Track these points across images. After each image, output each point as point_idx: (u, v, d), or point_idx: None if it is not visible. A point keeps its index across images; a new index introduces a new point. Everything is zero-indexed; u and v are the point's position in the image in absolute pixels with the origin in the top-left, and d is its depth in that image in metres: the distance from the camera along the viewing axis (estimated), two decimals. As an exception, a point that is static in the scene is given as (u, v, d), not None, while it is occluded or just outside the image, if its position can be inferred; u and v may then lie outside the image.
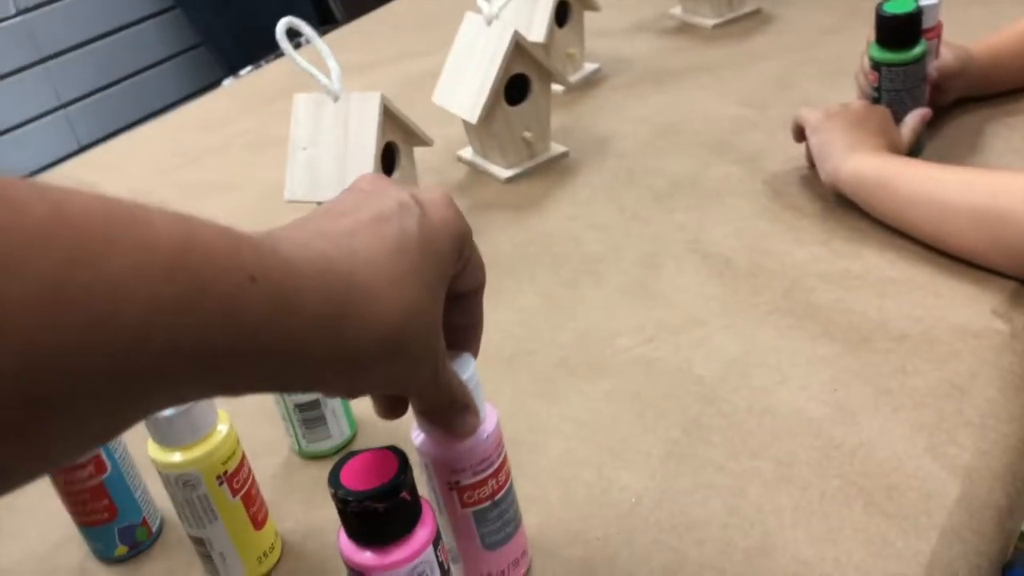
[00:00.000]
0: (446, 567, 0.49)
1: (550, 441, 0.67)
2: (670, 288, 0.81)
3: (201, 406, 0.55)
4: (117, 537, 0.63)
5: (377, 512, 0.45)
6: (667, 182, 0.97)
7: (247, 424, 0.73)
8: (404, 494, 0.46)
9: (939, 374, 0.67)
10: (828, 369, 0.69)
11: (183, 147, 1.29)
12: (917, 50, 0.89)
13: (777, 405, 0.67)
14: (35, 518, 0.69)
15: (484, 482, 0.53)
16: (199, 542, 0.59)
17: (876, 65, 0.91)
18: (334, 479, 0.46)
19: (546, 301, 0.82)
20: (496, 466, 0.53)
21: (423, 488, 0.54)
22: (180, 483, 0.56)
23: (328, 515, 0.55)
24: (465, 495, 0.53)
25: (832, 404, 0.66)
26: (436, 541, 0.48)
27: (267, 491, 0.66)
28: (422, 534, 0.47)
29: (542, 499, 0.63)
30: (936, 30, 0.94)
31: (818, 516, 0.58)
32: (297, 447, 0.70)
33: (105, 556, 0.64)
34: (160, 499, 0.66)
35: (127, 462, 0.63)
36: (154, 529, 0.65)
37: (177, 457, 0.55)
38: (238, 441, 0.58)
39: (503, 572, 0.56)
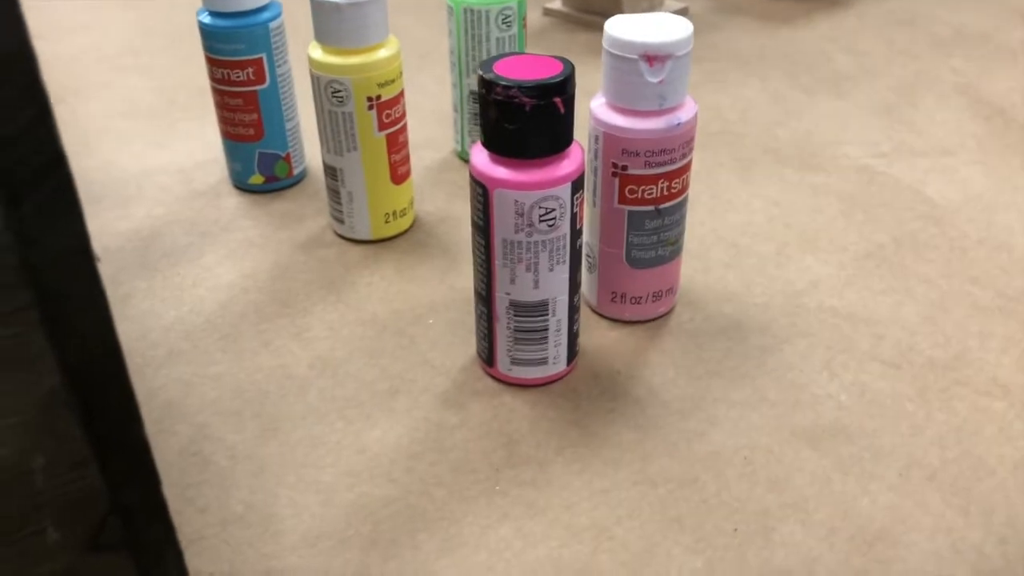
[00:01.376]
0: (579, 226, 0.42)
1: (732, 210, 0.58)
2: (923, 118, 0.69)
3: (373, 10, 0.50)
4: (256, 162, 0.59)
5: (521, 108, 0.38)
6: (953, 31, 0.83)
7: (417, 121, 0.68)
8: (557, 100, 0.38)
9: None
10: (1097, 226, 0.56)
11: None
12: None
13: (1018, 246, 0.54)
14: (191, 137, 0.67)
15: (654, 179, 0.44)
16: (332, 173, 0.54)
17: None
18: (487, 65, 0.39)
19: (772, 97, 0.72)
20: (674, 167, 0.44)
21: (588, 170, 0.46)
22: (329, 92, 0.51)
23: (468, 213, 0.48)
24: (628, 188, 0.45)
25: (1091, 260, 0.53)
26: (577, 185, 0.40)
27: (418, 177, 0.61)
28: (564, 165, 0.40)
29: (703, 255, 0.54)
30: None
31: (1037, 351, 0.46)
32: (460, 146, 0.64)
33: (241, 180, 0.61)
34: (311, 145, 0.63)
35: (288, 87, 0.59)
36: (296, 171, 0.61)
37: (334, 59, 0.50)
38: (400, 74, 0.52)
39: (638, 299, 0.48)
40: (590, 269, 0.49)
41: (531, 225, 0.40)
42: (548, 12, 0.88)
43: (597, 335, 0.48)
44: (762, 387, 0.45)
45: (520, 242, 0.41)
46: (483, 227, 0.41)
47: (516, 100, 0.38)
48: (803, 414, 0.43)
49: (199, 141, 0.67)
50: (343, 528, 0.38)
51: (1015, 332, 0.48)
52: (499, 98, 0.38)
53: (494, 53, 0.59)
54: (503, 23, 0.58)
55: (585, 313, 0.50)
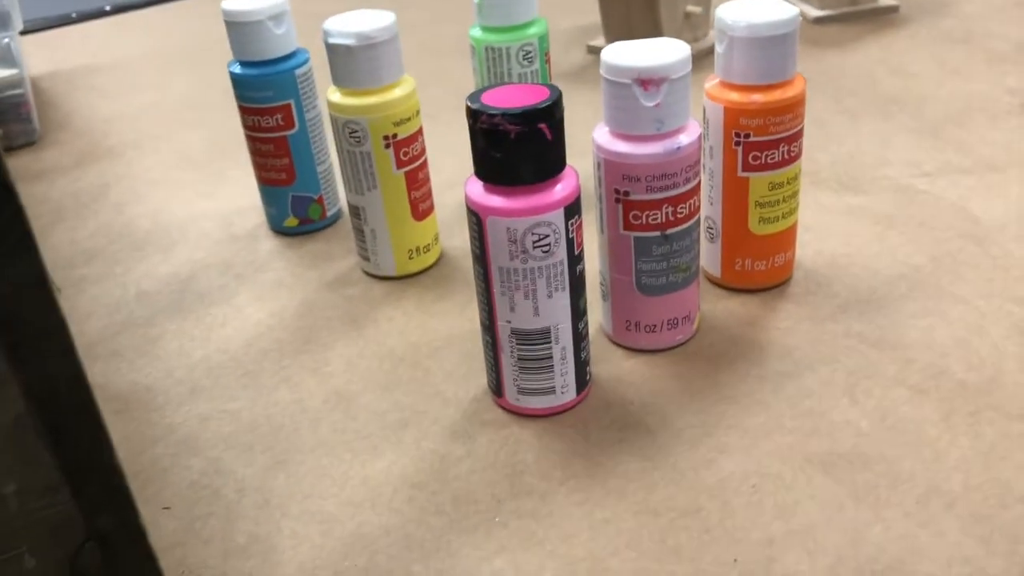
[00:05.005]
0: (577, 251, 0.41)
1: (764, 238, 0.57)
2: (973, 137, 0.66)
3: (386, 50, 0.51)
4: (290, 205, 0.61)
5: (507, 136, 0.38)
6: (1012, 47, 0.80)
7: (454, 161, 0.69)
8: (543, 126, 0.38)
9: None
10: None
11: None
12: None
13: (1067, 262, 0.52)
14: (236, 186, 0.70)
15: (658, 204, 0.44)
16: (355, 212, 0.55)
17: None
18: (475, 96, 0.40)
19: (814, 122, 0.70)
20: (680, 191, 0.44)
21: (591, 196, 0.46)
22: (347, 132, 0.52)
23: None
24: (631, 213, 0.44)
25: None
26: (572, 210, 0.40)
27: (447, 213, 0.62)
28: (555, 191, 0.40)
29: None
30: None
31: (1079, 371, 0.44)
32: (492, 183, 0.64)
33: (276, 224, 0.62)
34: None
35: (317, 131, 0.60)
36: (329, 213, 0.63)
37: (349, 100, 0.52)
38: (417, 113, 0.53)
39: (653, 327, 0.47)
40: (604, 297, 0.49)
41: (525, 252, 0.40)
42: (592, 49, 0.89)
43: (612, 364, 0.47)
44: (778, 414, 0.43)
45: (516, 269, 0.41)
46: (480, 255, 0.41)
47: (501, 127, 0.38)
48: (819, 441, 0.41)
49: (242, 188, 0.69)
50: (340, 559, 0.38)
51: (1057, 352, 0.45)
52: (484, 126, 0.38)
53: (517, 89, 0.60)
54: (524, 59, 0.59)
55: (602, 343, 0.49)
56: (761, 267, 0.51)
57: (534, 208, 0.39)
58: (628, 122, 0.43)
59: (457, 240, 0.60)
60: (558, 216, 0.40)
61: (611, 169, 0.44)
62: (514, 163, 0.39)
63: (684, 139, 0.43)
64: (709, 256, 0.52)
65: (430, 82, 0.85)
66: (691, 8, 0.83)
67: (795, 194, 0.50)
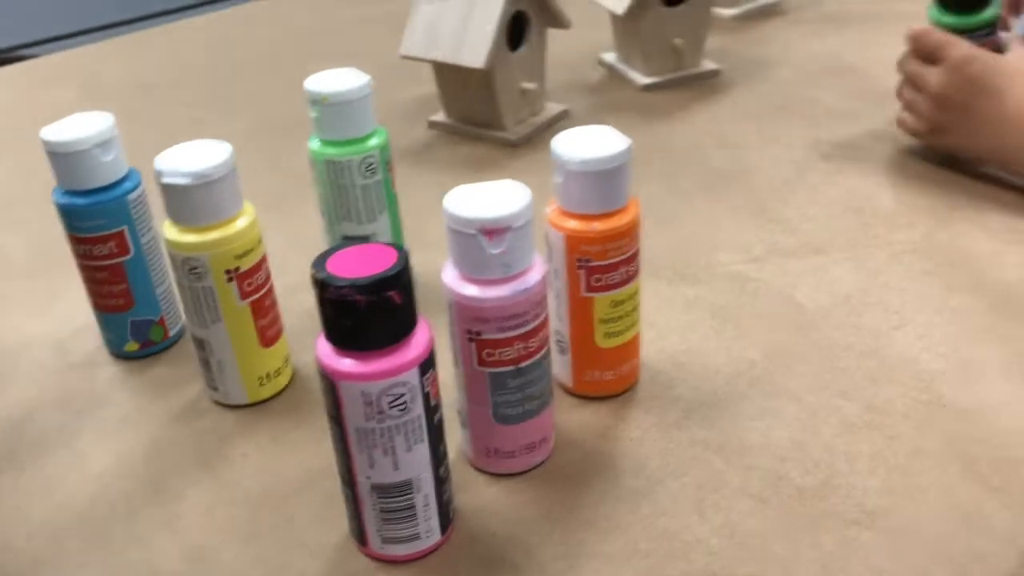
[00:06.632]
0: (434, 403, 0.42)
1: (610, 336, 0.59)
2: (796, 214, 0.70)
3: (224, 186, 0.50)
4: (130, 330, 0.59)
5: (355, 306, 0.38)
6: (823, 113, 0.86)
7: (300, 258, 0.68)
8: (392, 293, 0.38)
9: (1098, 354, 0.54)
10: (957, 323, 0.57)
11: (326, 16, 1.26)
12: (987, 13, 0.73)
13: (884, 349, 0.56)
14: (65, 299, 0.66)
15: (509, 342, 0.45)
16: (200, 344, 0.53)
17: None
18: (319, 262, 0.39)
19: (648, 206, 0.73)
20: (528, 328, 0.45)
21: (445, 332, 0.46)
22: (187, 268, 0.51)
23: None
24: (485, 352, 0.45)
25: (953, 360, 0.55)
26: (426, 367, 0.41)
27: (298, 322, 0.61)
28: (408, 351, 0.40)
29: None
30: None
31: (901, 471, 0.47)
32: (341, 288, 0.64)
33: (116, 349, 0.60)
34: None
35: (154, 253, 0.58)
36: (172, 332, 0.61)
37: (187, 238, 0.50)
38: (259, 242, 0.52)
39: (512, 453, 0.48)
40: (463, 425, 0.49)
41: (382, 412, 0.40)
42: (433, 125, 0.89)
43: (475, 492, 0.48)
44: (635, 537, 0.45)
45: (373, 429, 0.41)
46: (335, 416, 0.41)
47: (350, 298, 0.38)
48: (675, 564, 0.43)
49: (76, 302, 0.66)
50: None
51: (882, 448, 0.49)
52: (333, 297, 0.38)
53: (361, 201, 0.60)
54: (367, 171, 0.59)
55: (463, 468, 0.50)
56: (609, 376, 0.53)
57: (388, 371, 0.39)
58: (476, 267, 0.43)
59: (308, 355, 0.59)
60: (413, 375, 0.40)
61: (462, 311, 0.45)
62: (365, 330, 0.39)
63: (531, 279, 0.44)
64: (560, 367, 0.54)
65: (267, 168, 0.83)
66: (527, 85, 0.85)
67: (636, 307, 0.52)
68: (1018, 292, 0.60)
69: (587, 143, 0.48)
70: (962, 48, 0.69)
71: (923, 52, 0.71)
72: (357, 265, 0.39)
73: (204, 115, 0.97)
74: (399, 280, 0.39)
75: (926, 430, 0.50)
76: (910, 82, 0.73)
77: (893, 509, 0.45)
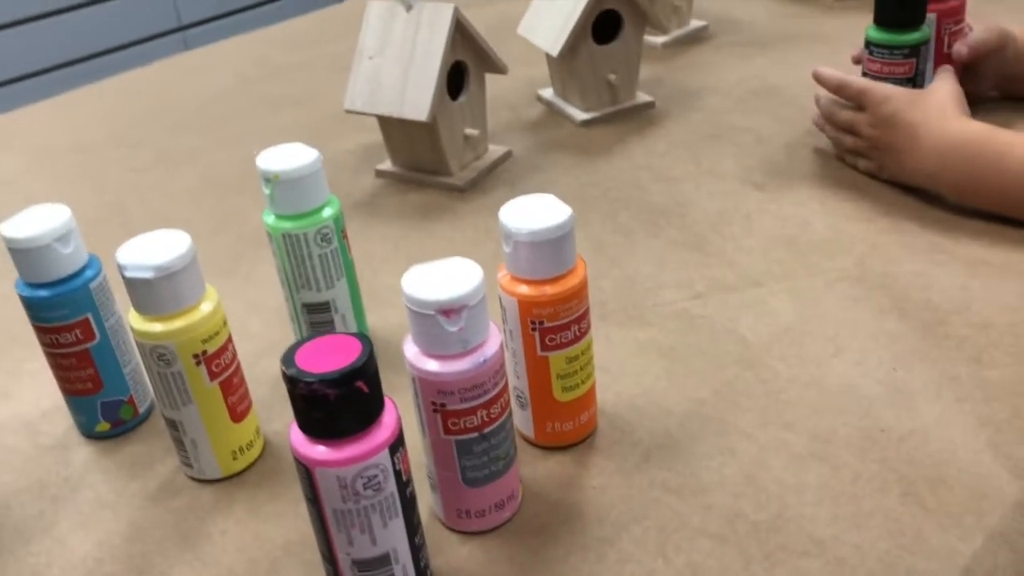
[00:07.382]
0: (405, 478, 0.44)
1: (567, 382, 0.62)
2: (733, 247, 0.74)
3: (186, 275, 0.52)
4: (100, 411, 0.60)
5: (326, 399, 0.40)
6: (754, 141, 0.89)
7: (261, 322, 0.70)
8: (360, 384, 0.41)
9: (1020, 370, 0.58)
10: (891, 347, 0.61)
11: (268, 61, 1.27)
12: (915, 35, 0.80)
13: (825, 378, 0.59)
14: (36, 382, 0.67)
15: (473, 411, 0.47)
16: (172, 425, 0.55)
17: (869, 47, 0.83)
18: (288, 357, 0.42)
19: (594, 246, 0.76)
20: (490, 396, 0.47)
21: (410, 405, 0.49)
22: (155, 356, 0.52)
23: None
24: (449, 421, 0.48)
25: (888, 384, 0.58)
26: (395, 446, 0.43)
27: (265, 391, 0.63)
28: (378, 434, 0.42)
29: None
30: (953, 7, 0.85)
31: (846, 498, 0.51)
32: (303, 352, 0.66)
33: (87, 430, 0.61)
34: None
35: (119, 335, 0.60)
36: (141, 410, 0.62)
37: (154, 327, 0.52)
38: (224, 323, 0.54)
39: (482, 512, 0.51)
40: (433, 489, 0.52)
41: (357, 494, 0.42)
42: (380, 173, 0.91)
43: (450, 554, 0.50)
44: (604, 586, 0.48)
45: (350, 509, 0.43)
46: (312, 499, 0.43)
47: (320, 392, 0.40)
48: (643, 610, 0.46)
49: (43, 382, 0.67)
50: None
51: (828, 479, 0.52)
52: (304, 392, 0.40)
53: (319, 270, 0.62)
54: (322, 240, 0.61)
55: (436, 528, 0.52)
56: (569, 427, 0.56)
57: (360, 456, 0.42)
58: (435, 344, 0.46)
59: (278, 423, 0.61)
60: (384, 456, 0.42)
61: (425, 385, 0.47)
62: (337, 420, 0.41)
63: (488, 350, 0.47)
64: (522, 420, 0.56)
65: (216, 229, 0.85)
66: (469, 131, 0.87)
67: (590, 360, 0.55)
68: (943, 313, 0.64)
69: (532, 213, 0.50)
70: (877, 92, 0.77)
71: (849, 100, 0.80)
72: (324, 358, 0.41)
73: (148, 175, 0.98)
74: (366, 371, 0.41)
75: (866, 456, 0.53)
76: (848, 130, 0.80)
77: (840, 536, 0.49)
